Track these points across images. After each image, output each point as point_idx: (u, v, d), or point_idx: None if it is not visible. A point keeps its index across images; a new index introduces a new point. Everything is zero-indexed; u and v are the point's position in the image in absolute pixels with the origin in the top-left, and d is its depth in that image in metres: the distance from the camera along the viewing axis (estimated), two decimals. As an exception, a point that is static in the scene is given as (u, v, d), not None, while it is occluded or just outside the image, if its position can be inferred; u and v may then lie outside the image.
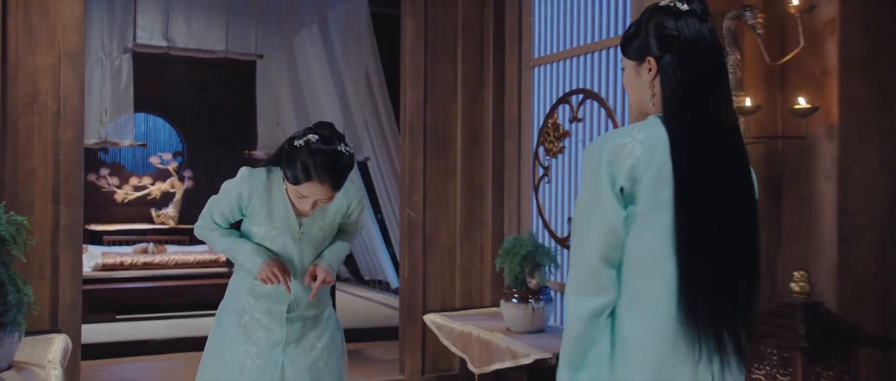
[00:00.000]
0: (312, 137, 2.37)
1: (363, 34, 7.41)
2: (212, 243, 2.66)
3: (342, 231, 2.78)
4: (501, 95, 5.04)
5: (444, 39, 5.01)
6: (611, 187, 1.71)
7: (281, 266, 2.56)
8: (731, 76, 3.25)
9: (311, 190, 2.41)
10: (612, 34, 4.27)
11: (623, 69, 1.89)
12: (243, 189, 2.56)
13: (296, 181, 2.41)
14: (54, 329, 3.95)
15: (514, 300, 4.09)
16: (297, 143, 2.39)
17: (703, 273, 1.68)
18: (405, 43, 4.99)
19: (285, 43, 7.48)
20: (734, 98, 3.20)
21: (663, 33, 1.76)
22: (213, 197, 2.65)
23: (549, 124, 4.64)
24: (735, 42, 3.33)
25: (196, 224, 2.70)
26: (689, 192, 1.69)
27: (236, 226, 2.74)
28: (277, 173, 2.57)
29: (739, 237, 1.72)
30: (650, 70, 1.79)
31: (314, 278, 2.61)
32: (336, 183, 2.41)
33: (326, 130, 2.41)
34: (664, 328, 1.70)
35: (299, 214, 2.58)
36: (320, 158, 2.35)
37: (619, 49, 2.10)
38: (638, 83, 1.84)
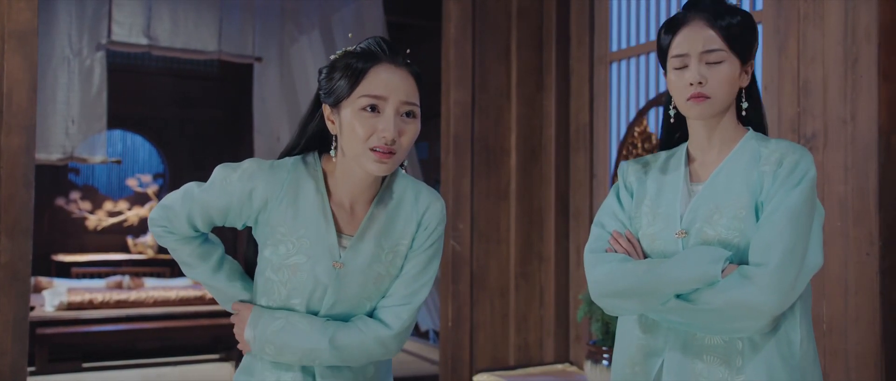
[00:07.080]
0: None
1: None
2: (184, 260, 1.70)
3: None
4: (566, 99, 4.06)
5: (496, 30, 4.04)
6: None
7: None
8: None
9: (382, 84, 1.55)
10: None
11: (719, 62, 1.60)
12: (258, 188, 1.60)
13: (353, 83, 1.56)
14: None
15: (604, 362, 3.16)
16: (327, 67, 1.64)
17: None
18: (448, 33, 4.01)
19: (286, 46, 6.49)
20: None
21: None
22: (194, 186, 1.65)
23: (636, 134, 3.66)
24: None
25: (154, 213, 1.66)
26: None
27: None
28: (313, 164, 1.65)
29: None
30: (746, 75, 1.64)
31: None
32: (409, 61, 1.61)
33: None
34: None
35: (341, 229, 1.62)
36: (371, 39, 1.61)
37: (720, 34, 1.61)
38: (733, 87, 1.62)
